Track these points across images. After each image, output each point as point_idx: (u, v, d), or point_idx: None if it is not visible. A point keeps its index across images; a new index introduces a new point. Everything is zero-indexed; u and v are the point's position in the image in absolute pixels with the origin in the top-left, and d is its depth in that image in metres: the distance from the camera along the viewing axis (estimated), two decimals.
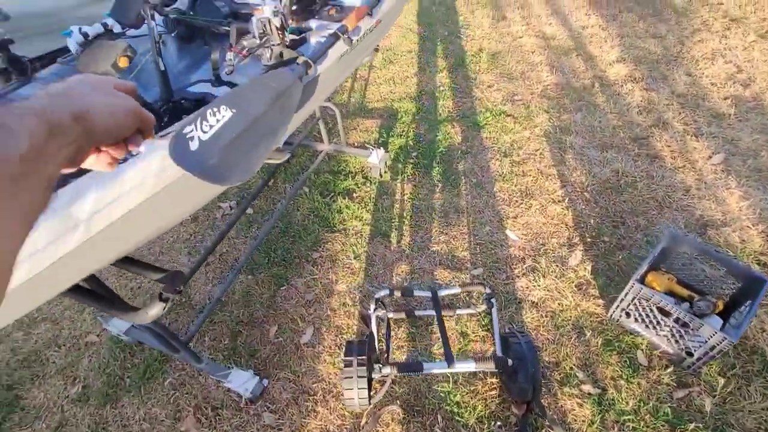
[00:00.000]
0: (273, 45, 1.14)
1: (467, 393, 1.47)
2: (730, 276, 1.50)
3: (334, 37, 1.23)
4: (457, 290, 1.55)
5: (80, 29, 1.33)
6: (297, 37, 1.23)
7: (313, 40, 1.26)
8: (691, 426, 1.33)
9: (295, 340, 1.68)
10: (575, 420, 1.39)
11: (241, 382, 1.42)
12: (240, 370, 1.44)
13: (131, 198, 0.82)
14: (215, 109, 0.88)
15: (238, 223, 2.21)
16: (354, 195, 2.29)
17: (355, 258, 1.97)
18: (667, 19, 3.55)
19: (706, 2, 3.72)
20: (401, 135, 2.66)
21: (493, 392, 1.47)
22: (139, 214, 0.85)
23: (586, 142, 2.44)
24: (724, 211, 1.95)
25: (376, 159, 2.28)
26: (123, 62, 0.93)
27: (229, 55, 1.43)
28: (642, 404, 1.39)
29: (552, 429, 1.35)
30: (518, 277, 1.81)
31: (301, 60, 1.12)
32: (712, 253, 1.50)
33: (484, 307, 1.57)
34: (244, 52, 1.47)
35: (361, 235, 2.07)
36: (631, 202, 2.06)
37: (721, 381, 1.41)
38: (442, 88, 3.08)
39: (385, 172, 2.39)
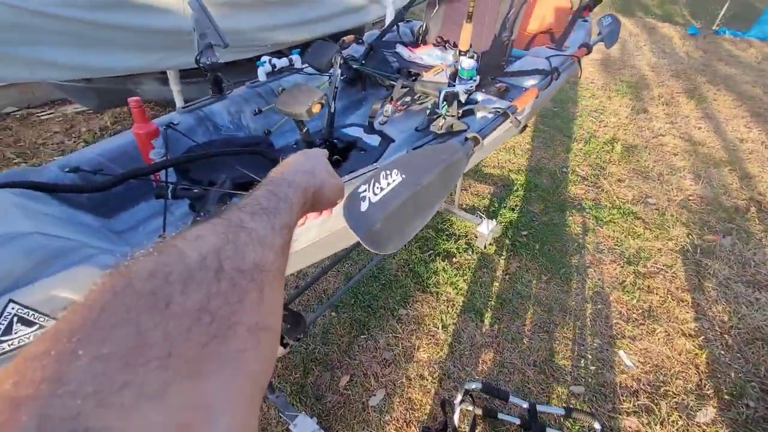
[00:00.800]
0: (447, 115, 1.14)
1: None
2: None
3: (504, 116, 1.20)
4: (560, 411, 1.34)
5: (270, 60, 1.48)
6: (465, 108, 1.22)
7: (479, 114, 1.24)
8: None
9: (364, 398, 1.59)
10: None
11: (306, 431, 1.35)
12: (307, 417, 1.38)
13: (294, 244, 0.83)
14: (388, 172, 0.87)
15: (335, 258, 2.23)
16: (453, 259, 2.20)
17: (442, 328, 1.85)
18: None
19: None
20: (513, 209, 2.54)
21: None
22: (294, 259, 0.85)
23: (733, 274, 2.09)
24: None
25: (485, 229, 2.19)
26: (316, 108, 0.99)
27: (387, 107, 1.48)
28: None
29: None
30: (627, 413, 1.54)
31: (470, 135, 1.09)
32: None
33: None
34: (402, 107, 1.51)
35: (453, 304, 1.96)
36: None
37: None
38: (565, 170, 2.92)
39: (491, 244, 2.27)
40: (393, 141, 1.43)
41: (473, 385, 1.38)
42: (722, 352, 1.74)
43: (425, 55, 1.81)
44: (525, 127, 1.35)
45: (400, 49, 1.83)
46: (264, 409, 1.54)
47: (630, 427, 1.50)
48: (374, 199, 0.84)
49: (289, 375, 1.67)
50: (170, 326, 0.20)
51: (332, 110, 1.29)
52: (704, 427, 1.49)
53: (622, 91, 4.10)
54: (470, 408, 1.36)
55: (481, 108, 1.26)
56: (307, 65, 1.51)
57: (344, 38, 1.74)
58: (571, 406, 1.47)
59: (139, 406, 0.17)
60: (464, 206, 2.55)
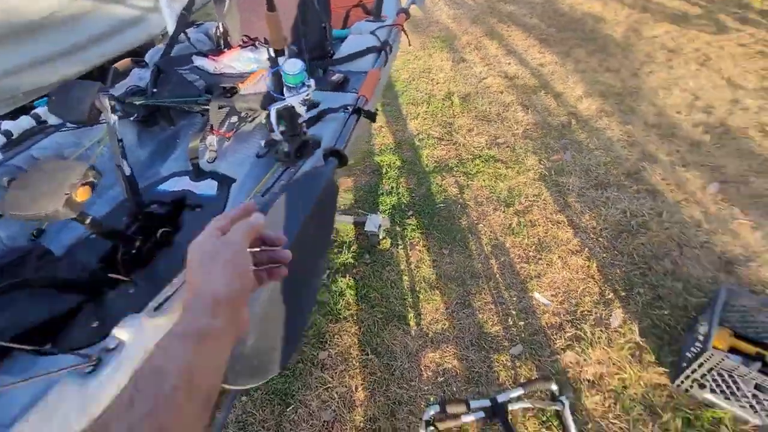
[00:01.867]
0: (288, 137, 0.87)
1: None
2: None
3: (357, 113, 0.98)
4: (519, 392, 1.28)
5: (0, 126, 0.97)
6: (308, 117, 0.97)
7: (328, 119, 1.01)
8: None
9: None
10: None
11: None
12: None
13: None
14: None
15: None
16: (354, 271, 1.99)
17: (372, 353, 1.65)
18: (613, 54, 3.74)
19: (641, 36, 4.00)
20: (391, 192, 2.43)
21: None
22: None
23: (583, 183, 2.36)
24: (742, 245, 1.90)
25: (373, 226, 2.02)
26: (82, 195, 0.61)
27: (211, 139, 1.13)
28: None
29: None
30: (563, 350, 1.59)
31: (328, 150, 0.85)
32: None
33: (551, 405, 1.31)
34: (228, 132, 1.18)
35: (373, 320, 1.77)
36: (649, 244, 1.96)
37: None
38: (421, 136, 2.93)
39: (383, 238, 2.13)
40: (233, 180, 1.10)
41: (431, 412, 1.22)
42: (604, 255, 1.94)
43: (234, 61, 1.47)
44: (377, 112, 1.18)
45: (200, 61, 1.45)
46: None
47: (571, 362, 1.55)
48: None
49: None
50: None
51: (128, 172, 0.89)
52: (620, 331, 1.63)
53: (438, 46, 4.32)
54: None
55: (327, 112, 1.02)
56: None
57: (115, 65, 1.29)
58: (523, 381, 1.44)
59: None
60: (341, 209, 2.34)
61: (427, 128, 3.02)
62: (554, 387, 1.25)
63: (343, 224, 2.17)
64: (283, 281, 0.61)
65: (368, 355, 1.64)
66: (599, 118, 2.89)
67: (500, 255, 2.00)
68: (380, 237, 2.08)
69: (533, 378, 1.49)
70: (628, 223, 2.08)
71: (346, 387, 1.54)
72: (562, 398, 1.24)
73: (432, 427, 1.20)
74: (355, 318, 1.78)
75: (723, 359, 1.26)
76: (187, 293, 0.37)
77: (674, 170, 2.37)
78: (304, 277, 0.66)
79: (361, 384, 1.55)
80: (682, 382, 1.40)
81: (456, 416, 1.33)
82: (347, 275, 1.95)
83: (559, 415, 1.25)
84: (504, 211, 2.23)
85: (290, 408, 1.50)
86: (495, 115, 3.06)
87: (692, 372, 1.36)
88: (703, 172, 2.33)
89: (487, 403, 1.26)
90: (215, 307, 0.36)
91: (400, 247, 2.10)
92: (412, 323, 1.74)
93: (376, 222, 2.05)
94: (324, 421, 1.45)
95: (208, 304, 0.36)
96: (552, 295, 1.80)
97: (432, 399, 1.48)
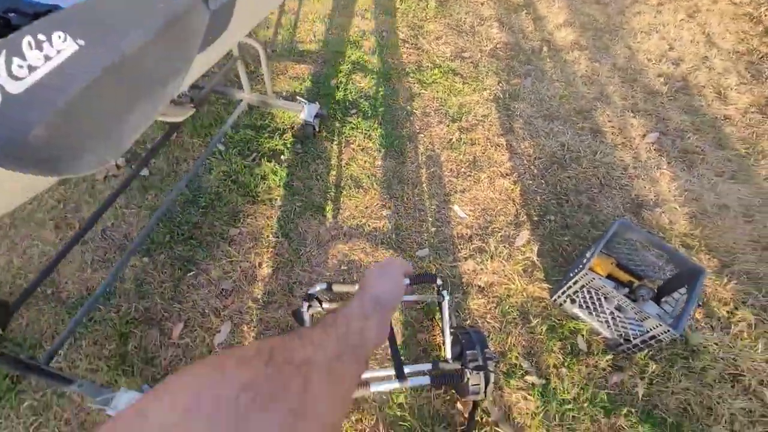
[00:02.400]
0: None
1: (411, 393, 1.33)
2: (668, 263, 1.52)
3: None
4: (406, 282, 1.35)
5: None
6: None
7: None
8: (624, 410, 1.35)
9: (207, 340, 1.37)
10: (520, 414, 1.33)
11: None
12: (126, 391, 1.11)
13: None
14: (42, 37, 0.50)
15: (130, 188, 1.73)
16: (282, 158, 1.92)
17: (283, 236, 1.66)
18: None
19: None
20: (339, 87, 2.29)
21: (439, 390, 1.35)
22: None
23: (534, 111, 2.32)
24: (656, 192, 2.00)
25: (309, 115, 1.92)
26: None
27: None
28: (582, 392, 1.38)
29: (499, 427, 1.28)
30: (466, 259, 1.68)
31: None
32: (657, 243, 1.48)
33: (434, 298, 1.41)
34: None
35: (291, 207, 1.75)
36: (575, 178, 2.01)
37: (652, 365, 1.45)
38: (385, 34, 2.70)
39: (319, 131, 2.04)
40: None
41: (318, 288, 1.27)
42: (530, 182, 1.99)
43: None
44: None
45: None
46: (76, 398, 1.21)
47: (469, 270, 1.65)
48: (15, 88, 0.48)
49: (100, 351, 1.32)
50: (220, 390, 0.25)
51: None
52: (522, 249, 1.73)
53: None
54: (319, 309, 1.27)
55: None
56: None
57: None
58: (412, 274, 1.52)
59: None
60: (282, 93, 2.19)
61: (394, 27, 2.77)
62: (439, 282, 1.32)
63: (280, 109, 2.04)
64: (102, 84, 0.54)
65: (279, 238, 1.65)
66: (571, 50, 2.77)
67: (432, 166, 1.99)
68: (316, 129, 1.99)
69: (420, 274, 1.57)
70: (563, 156, 2.10)
71: (250, 263, 1.57)
72: (444, 293, 1.32)
73: (315, 301, 1.26)
74: (273, 203, 1.76)
75: (593, 279, 1.37)
76: (359, 292, 0.49)
77: (623, 115, 2.37)
78: (142, 84, 0.59)
79: (266, 262, 1.58)
80: (559, 296, 1.54)
81: (342, 296, 1.41)
82: (273, 161, 1.89)
83: (440, 306, 1.35)
84: (448, 126, 2.18)
85: (191, 274, 1.52)
86: (468, 27, 2.85)
87: (568, 288, 1.48)
88: (648, 121, 2.35)
89: None
90: (375, 304, 0.45)
91: (335, 143, 2.03)
92: (329, 215, 1.75)
93: (313, 112, 1.94)
94: (222, 289, 1.49)
95: (372, 298, 0.46)
96: (470, 210, 1.84)
97: None
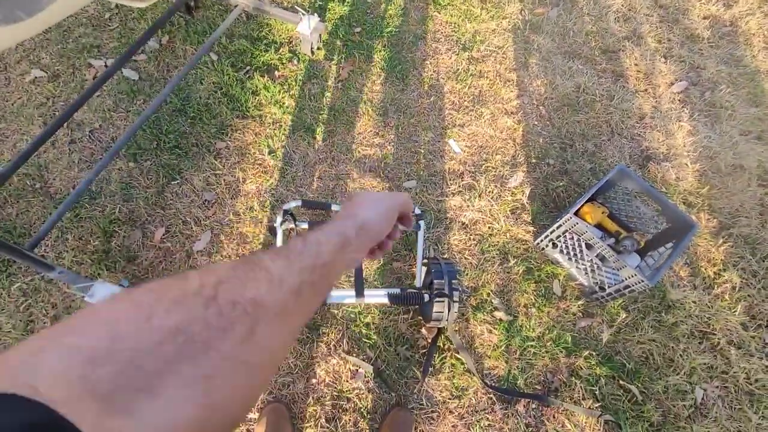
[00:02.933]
0: None
1: (379, 314, 1.38)
2: (661, 216, 1.46)
3: None
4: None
5: None
6: None
7: None
8: (585, 353, 1.38)
9: (187, 246, 1.41)
10: (482, 345, 1.38)
11: (106, 294, 1.16)
12: (105, 282, 1.17)
13: None
14: None
15: (118, 91, 1.69)
16: (276, 73, 1.83)
17: (269, 153, 1.63)
18: None
19: None
20: (343, 1, 2.11)
21: (406, 315, 1.39)
22: None
23: (554, 47, 2.12)
24: (669, 146, 1.87)
25: (307, 28, 1.79)
26: None
27: None
28: (547, 332, 1.41)
29: (458, 354, 1.33)
30: (453, 194, 1.64)
31: None
32: (654, 193, 1.41)
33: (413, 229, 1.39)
34: None
35: (281, 125, 1.71)
36: (585, 123, 1.89)
37: (623, 314, 1.45)
38: None
39: (319, 48, 1.92)
40: None
41: (293, 204, 1.27)
42: (536, 122, 1.87)
43: None
44: None
45: None
46: (63, 286, 1.29)
47: (455, 205, 1.62)
48: None
49: (84, 246, 1.37)
50: (143, 337, 0.21)
51: None
52: (513, 190, 1.67)
53: None
54: (292, 226, 1.28)
55: None
56: None
57: None
58: None
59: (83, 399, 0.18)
60: (282, 3, 2.03)
61: None
62: (417, 211, 1.30)
63: (277, 20, 1.91)
64: None
65: (265, 156, 1.62)
66: None
67: (434, 96, 1.88)
68: (314, 45, 1.87)
69: None
70: (576, 98, 1.96)
71: (234, 177, 1.56)
72: (421, 222, 1.31)
73: (290, 217, 1.25)
74: (262, 119, 1.71)
75: (577, 223, 1.33)
76: (342, 213, 0.44)
77: (653, 58, 2.16)
78: None
79: (251, 178, 1.57)
80: (542, 240, 1.52)
81: (316, 215, 1.40)
82: (266, 76, 1.80)
83: (416, 236, 1.34)
84: (458, 54, 2.02)
85: (175, 182, 1.52)
86: None
87: (551, 232, 1.45)
88: (679, 68, 2.14)
89: None
90: (360, 228, 0.41)
91: (333, 62, 1.91)
92: (318, 138, 1.70)
93: (313, 25, 1.80)
94: (205, 200, 1.51)
95: (357, 223, 0.42)
96: (466, 146, 1.77)
97: None
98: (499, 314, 1.42)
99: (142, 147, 1.57)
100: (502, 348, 1.37)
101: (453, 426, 1.25)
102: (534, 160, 1.76)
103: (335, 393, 1.26)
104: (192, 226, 1.44)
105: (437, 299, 1.17)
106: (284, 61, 1.86)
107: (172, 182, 1.52)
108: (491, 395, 1.29)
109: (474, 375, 1.29)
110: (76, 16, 1.87)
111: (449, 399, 1.28)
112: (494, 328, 1.40)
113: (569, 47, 2.14)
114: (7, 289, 1.28)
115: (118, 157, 1.54)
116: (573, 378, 1.35)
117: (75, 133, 1.58)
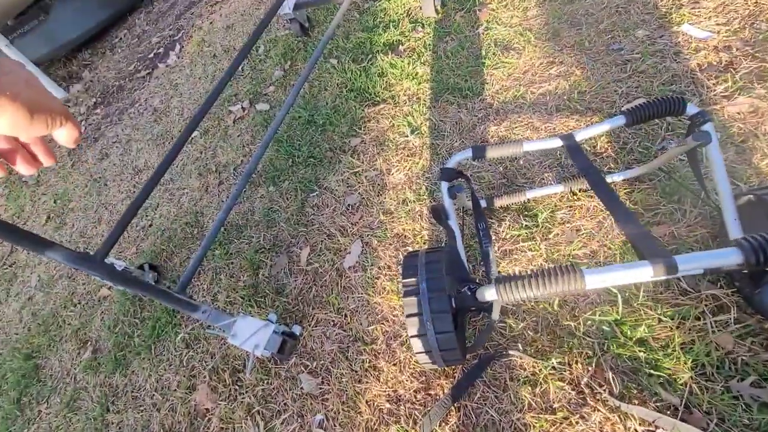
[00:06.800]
0: None
1: (654, 320, 0.74)
2: None
3: None
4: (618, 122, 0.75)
5: None
6: None
7: None
8: None
9: (337, 263, 1.09)
10: None
11: (248, 334, 0.88)
12: (246, 317, 0.91)
13: None
14: None
15: (254, 125, 1.63)
16: (400, 48, 1.52)
17: (412, 133, 1.26)
18: None
19: None
20: None
21: (724, 316, 0.71)
22: None
23: None
24: None
25: None
26: None
27: None
28: None
29: None
30: (725, 97, 0.93)
31: None
32: None
33: (687, 144, 0.73)
34: None
35: (419, 98, 1.33)
36: None
37: None
38: None
39: (443, 5, 1.55)
40: None
41: (458, 157, 0.81)
42: None
43: None
44: None
45: None
46: (203, 346, 1.10)
47: (733, 112, 0.90)
48: None
49: (236, 283, 1.19)
50: None
51: None
52: None
53: None
54: (479, 197, 0.81)
55: None
56: None
57: None
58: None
59: None
60: None
61: None
62: (692, 108, 0.69)
63: None
64: None
65: (408, 136, 1.25)
66: None
67: None
68: (437, 2, 1.50)
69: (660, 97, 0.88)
70: None
71: (376, 171, 1.22)
72: (708, 127, 0.69)
73: (461, 182, 0.81)
74: (395, 99, 1.37)
75: None
76: None
77: None
78: None
79: (396, 167, 1.21)
80: None
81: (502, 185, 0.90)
82: (391, 53, 1.50)
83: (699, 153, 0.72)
84: None
85: (314, 194, 1.27)
86: None
87: None
88: None
89: (557, 142, 0.79)
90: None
91: (463, 11, 1.50)
92: (470, 94, 1.25)
93: None
94: (348, 205, 1.19)
95: None
96: (718, 24, 1.05)
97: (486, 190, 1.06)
98: None
99: (278, 168, 1.40)
100: None
101: None
102: None
103: None
104: (338, 238, 1.13)
105: None
106: (407, 34, 1.54)
107: (311, 195, 1.27)
108: None
109: None
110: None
111: None
112: None
113: None
114: (173, 341, 1.16)
115: (259, 184, 1.40)
116: None
117: (222, 174, 1.54)
